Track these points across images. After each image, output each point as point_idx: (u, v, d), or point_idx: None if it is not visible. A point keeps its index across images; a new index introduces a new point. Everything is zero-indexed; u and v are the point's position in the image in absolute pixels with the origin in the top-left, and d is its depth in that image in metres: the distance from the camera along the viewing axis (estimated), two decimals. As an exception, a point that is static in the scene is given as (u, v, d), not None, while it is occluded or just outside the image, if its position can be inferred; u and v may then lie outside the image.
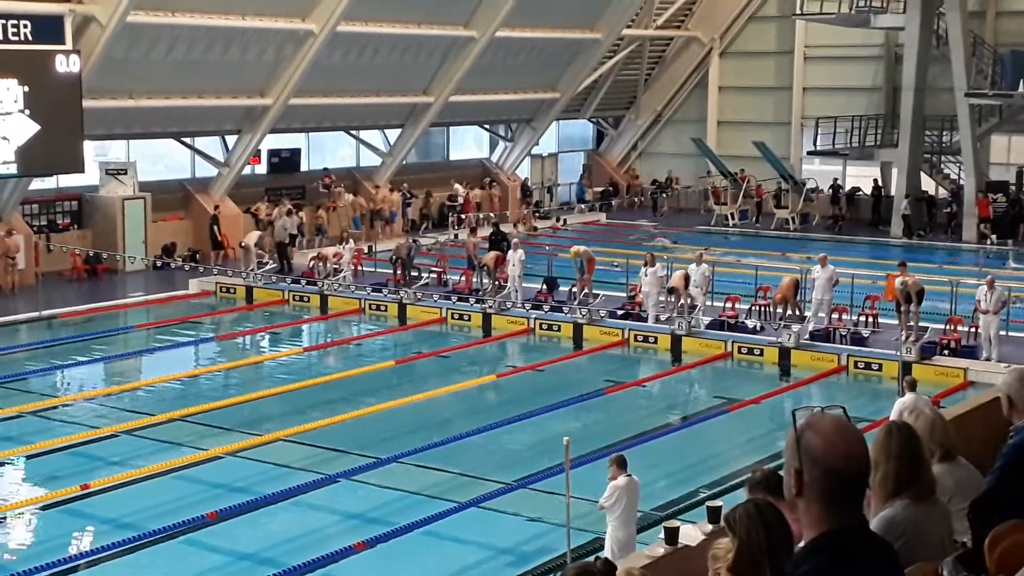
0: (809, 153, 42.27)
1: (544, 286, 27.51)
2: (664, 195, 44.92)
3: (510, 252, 28.11)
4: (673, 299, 24.44)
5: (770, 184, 41.60)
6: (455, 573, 12.72)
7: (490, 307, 26.32)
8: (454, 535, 14.17)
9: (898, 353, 21.13)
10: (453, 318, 26.40)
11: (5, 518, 15.16)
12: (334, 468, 16.51)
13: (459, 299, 27.16)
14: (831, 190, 41.55)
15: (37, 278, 28.64)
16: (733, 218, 41.06)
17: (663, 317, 24.67)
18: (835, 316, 23.85)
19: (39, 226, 30.92)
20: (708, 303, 25.54)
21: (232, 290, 29.05)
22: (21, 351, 23.67)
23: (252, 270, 29.00)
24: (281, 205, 32.92)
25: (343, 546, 13.47)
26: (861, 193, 42.24)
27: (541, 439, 17.65)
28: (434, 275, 29.29)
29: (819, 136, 40.51)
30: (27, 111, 26.68)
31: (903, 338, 21.94)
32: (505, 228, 34.68)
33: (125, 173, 31.92)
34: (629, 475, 12.17)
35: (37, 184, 30.01)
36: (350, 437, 17.91)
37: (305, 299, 28.22)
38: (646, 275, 25.23)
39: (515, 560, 13.47)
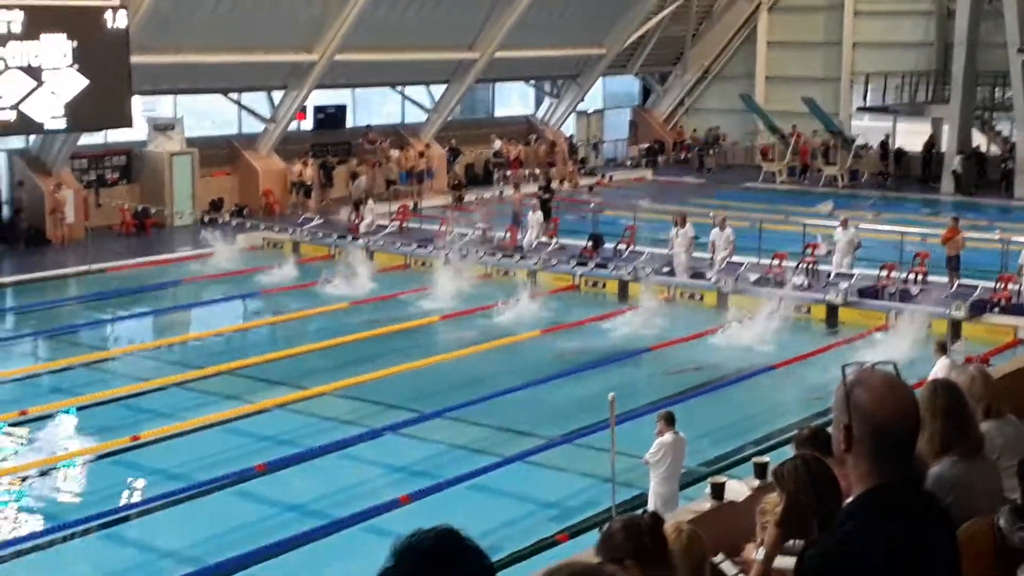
0: (859, 109, 41.78)
1: (590, 242, 27.47)
2: (711, 152, 44.61)
3: (529, 214, 28.17)
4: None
5: (819, 141, 41.21)
6: (500, 527, 12.81)
7: (535, 263, 26.32)
8: (499, 489, 14.28)
9: (947, 311, 20.94)
10: (499, 274, 26.43)
11: (57, 468, 15.43)
12: (380, 422, 16.64)
13: (504, 256, 27.17)
14: (880, 147, 41.09)
15: (86, 232, 28.94)
16: (781, 175, 40.72)
17: (711, 275, 24.58)
18: (884, 273, 23.68)
19: (88, 181, 31.19)
20: (755, 260, 25.40)
21: (279, 245, 29.21)
22: (71, 304, 23.96)
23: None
24: (305, 164, 33.23)
25: (389, 499, 13.60)
26: (903, 150, 41.67)
27: (586, 395, 17.67)
28: (479, 231, 29.29)
29: (869, 92, 39.99)
30: (76, 66, 26.84)
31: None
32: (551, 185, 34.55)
33: (173, 128, 32.10)
34: (676, 432, 12.19)
35: (86, 139, 30.25)
36: (395, 391, 18.01)
37: (351, 254, 28.29)
38: (677, 236, 25.10)
39: (559, 514, 13.55)
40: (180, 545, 12.72)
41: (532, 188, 32.76)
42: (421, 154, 37.12)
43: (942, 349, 15.83)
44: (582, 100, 43.41)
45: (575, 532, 12.60)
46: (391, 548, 2.66)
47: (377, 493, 13.97)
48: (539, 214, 27.88)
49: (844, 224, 24.69)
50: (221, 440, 16.03)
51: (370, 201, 30.12)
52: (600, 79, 43.59)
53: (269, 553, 12.22)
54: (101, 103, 27.37)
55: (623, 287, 24.95)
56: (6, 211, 29.19)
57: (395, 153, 36.50)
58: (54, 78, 26.52)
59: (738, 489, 7.43)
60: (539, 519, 13.42)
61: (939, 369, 14.17)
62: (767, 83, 44.95)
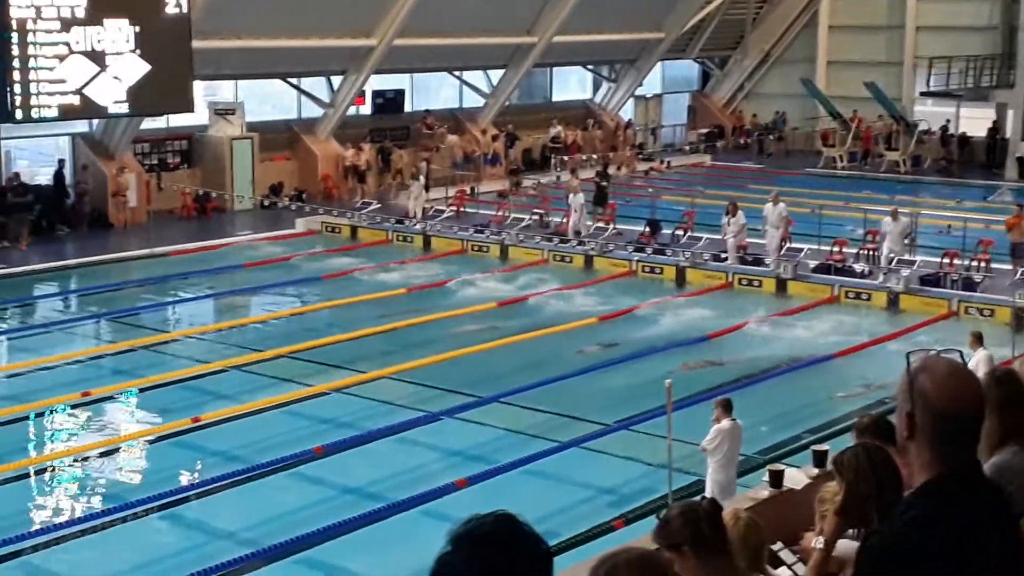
0: (922, 94, 41.18)
1: (647, 228, 27.37)
2: (771, 137, 44.22)
3: (570, 196, 28.11)
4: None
5: (881, 126, 40.70)
6: (555, 512, 12.81)
7: (592, 249, 26.27)
8: (555, 475, 14.28)
9: (1012, 298, 20.62)
10: (555, 259, 26.41)
11: (119, 449, 15.64)
12: (437, 406, 16.69)
13: (561, 240, 27.14)
14: (942, 132, 40.51)
15: (148, 216, 29.30)
16: (842, 160, 40.29)
17: (769, 260, 24.39)
18: (946, 261, 23.38)
19: (150, 165, 31.55)
20: (815, 247, 25.19)
21: (337, 229, 29.39)
22: (133, 287, 24.25)
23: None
24: (360, 148, 33.36)
25: (445, 482, 13.65)
26: (966, 136, 41.03)
27: (642, 382, 17.60)
28: (536, 216, 29.28)
29: (932, 77, 39.42)
30: (138, 51, 27.11)
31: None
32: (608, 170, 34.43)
33: (233, 113, 32.35)
34: (733, 419, 12.12)
35: (148, 123, 30.57)
36: (452, 376, 18.06)
37: (408, 239, 28.44)
38: (728, 224, 24.92)
39: (616, 500, 13.52)
40: (238, 526, 12.85)
41: (590, 173, 32.66)
42: (476, 141, 37.15)
43: (978, 340, 15.54)
44: (640, 85, 43.19)
45: (631, 519, 12.57)
46: (449, 533, 2.66)
47: (434, 477, 14.02)
48: (579, 196, 27.81)
49: (895, 215, 24.40)
50: (279, 423, 16.17)
51: (414, 186, 29.96)
52: (659, 63, 43.32)
53: (326, 535, 12.31)
54: (163, 88, 27.64)
55: (680, 273, 24.82)
56: (70, 195, 29.58)
57: (452, 138, 36.55)
58: (117, 63, 26.81)
59: (797, 477, 7.38)
60: (595, 505, 13.40)
61: (979, 361, 13.89)
62: (828, 67, 44.45)
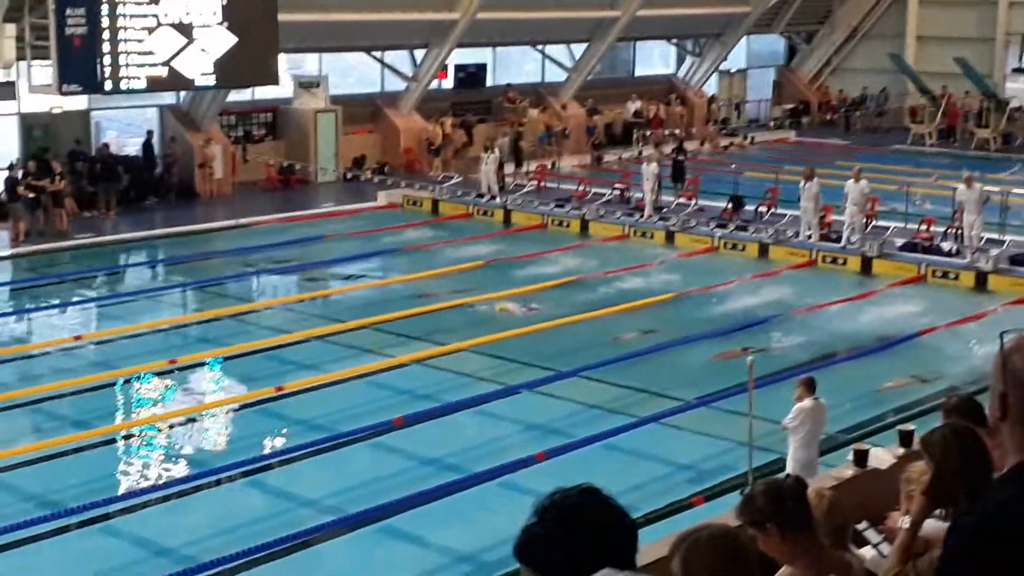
0: (1014, 71, 40.25)
1: (730, 204, 27.14)
2: (858, 113, 43.54)
3: (643, 166, 27.93)
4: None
5: (969, 102, 39.86)
6: (635, 487, 12.78)
7: (674, 225, 26.12)
8: (634, 450, 14.26)
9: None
10: (636, 235, 26.30)
11: (204, 416, 15.92)
12: (515, 379, 16.74)
13: (642, 216, 27.01)
14: None
15: (233, 187, 29.68)
16: (931, 137, 39.54)
17: (853, 238, 24.07)
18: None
19: (236, 137, 31.94)
20: (902, 225, 24.81)
21: (418, 203, 29.53)
22: (218, 257, 24.61)
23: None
24: (441, 123, 33.41)
25: (524, 455, 13.70)
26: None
27: (724, 358, 17.50)
28: (617, 191, 29.16)
29: (1025, 53, 38.52)
30: (225, 23, 27.40)
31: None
32: (690, 146, 34.22)
33: (317, 86, 32.62)
34: (816, 398, 11.99)
35: (234, 96, 30.94)
36: (532, 350, 18.09)
37: (489, 213, 28.49)
38: (804, 189, 24.58)
39: (695, 477, 13.47)
40: (320, 494, 13.00)
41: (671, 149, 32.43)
42: (558, 115, 37.06)
43: None
44: (725, 59, 42.72)
45: (711, 495, 12.52)
46: (534, 505, 2.68)
47: (512, 450, 14.07)
48: (653, 165, 27.59)
49: (968, 182, 23.85)
50: (360, 393, 16.34)
51: (489, 159, 29.85)
52: (744, 38, 42.81)
53: (406, 505, 12.42)
54: (249, 60, 27.91)
55: (763, 250, 24.59)
56: (158, 165, 30.06)
57: (534, 112, 36.49)
58: (204, 35, 27.12)
59: (882, 457, 7.29)
60: (674, 481, 13.36)
61: None
62: (918, 43, 43.58)
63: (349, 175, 32.12)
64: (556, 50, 38.51)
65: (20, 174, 25.60)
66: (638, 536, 2.67)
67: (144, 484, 13.37)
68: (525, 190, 29.87)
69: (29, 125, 28.40)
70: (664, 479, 13.43)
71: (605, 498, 2.72)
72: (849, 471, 7.21)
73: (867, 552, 5.78)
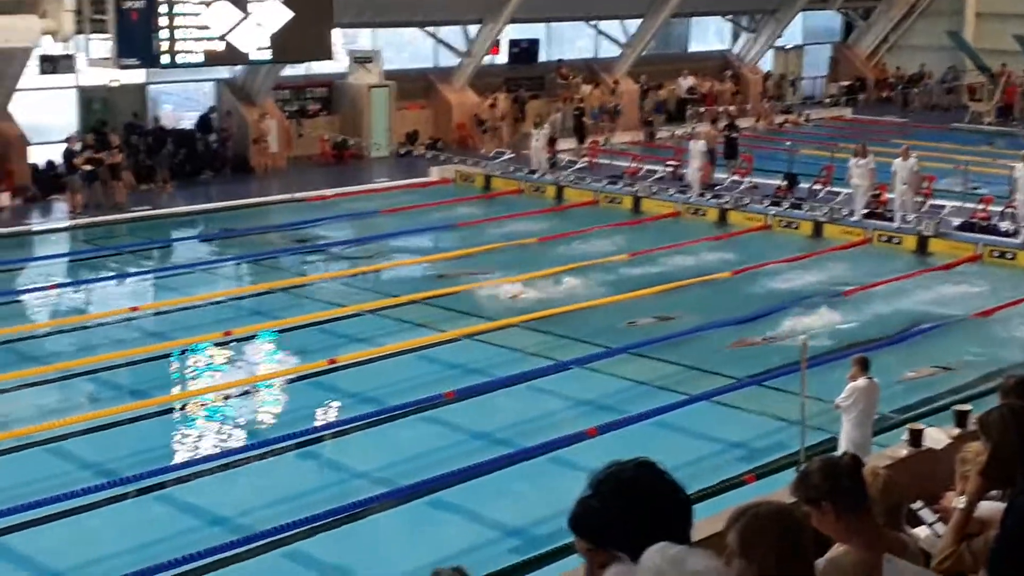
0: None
1: (784, 182, 26.93)
2: (916, 90, 42.98)
3: (690, 144, 27.77)
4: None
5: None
6: (686, 464, 12.76)
7: (727, 203, 25.98)
8: (685, 427, 14.23)
9: None
10: (689, 212, 26.17)
11: (258, 388, 16.08)
12: (566, 355, 16.74)
13: (697, 194, 26.85)
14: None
15: (288, 161, 29.84)
16: (989, 115, 38.96)
17: (909, 217, 23.83)
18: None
19: (290, 111, 32.11)
20: (959, 204, 24.52)
21: (471, 178, 29.56)
22: (272, 231, 24.77)
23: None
24: (495, 99, 33.29)
25: (575, 431, 13.72)
26: None
27: (776, 336, 17.39)
28: (670, 169, 29.02)
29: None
30: (281, -2, 27.51)
31: None
32: (745, 123, 33.96)
33: (371, 61, 32.69)
34: (870, 377, 11.92)
35: (288, 70, 31.09)
36: (582, 326, 18.07)
37: (541, 189, 28.47)
38: (856, 167, 24.33)
39: (746, 455, 13.43)
40: (371, 467, 13.10)
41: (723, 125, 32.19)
42: (611, 91, 36.90)
43: None
44: (780, 35, 42.30)
45: (762, 473, 12.48)
46: (590, 477, 2.69)
47: (563, 425, 14.09)
48: (701, 143, 27.45)
49: None
50: (412, 367, 16.42)
51: (539, 135, 29.74)
52: (800, 14, 42.34)
53: (457, 478, 12.49)
54: (304, 35, 28.02)
55: (817, 228, 24.40)
56: (214, 139, 30.29)
57: (587, 88, 36.35)
58: (260, 10, 27.25)
59: (937, 436, 7.23)
60: (725, 459, 13.32)
61: None
62: (977, 20, 42.90)
63: (402, 150, 32.21)
64: (610, 25, 38.30)
65: (78, 147, 25.91)
66: (692, 510, 2.67)
67: (199, 454, 13.54)
68: (577, 166, 29.80)
69: (87, 98, 28.71)
70: (715, 457, 13.39)
71: (660, 472, 2.73)
72: (904, 450, 7.16)
73: (922, 532, 5.75)
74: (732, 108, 36.94)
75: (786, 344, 16.60)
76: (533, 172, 29.21)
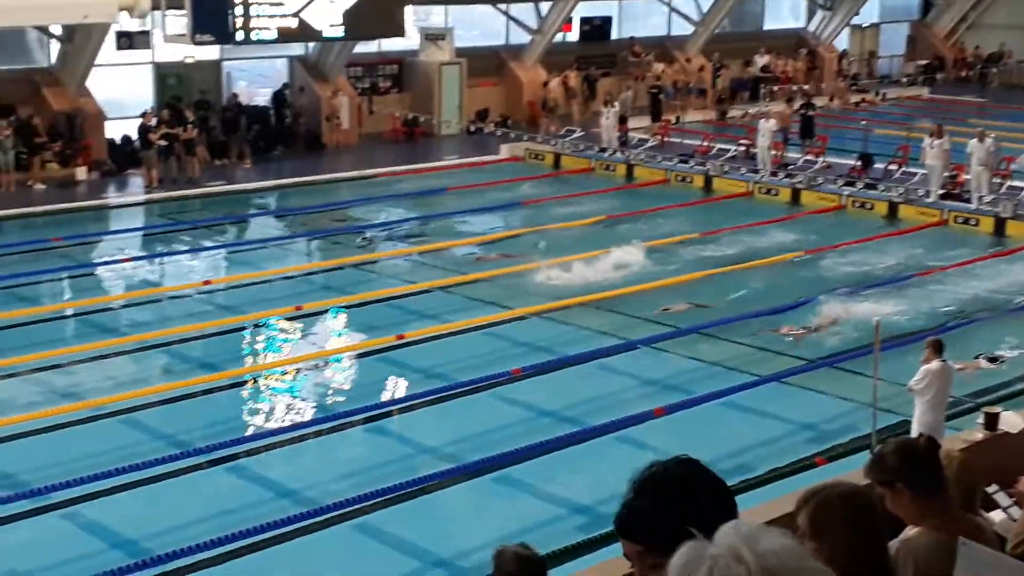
0: None
1: (859, 162, 26.55)
2: (995, 69, 42.12)
3: (760, 122, 27.42)
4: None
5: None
6: (755, 445, 12.69)
7: (800, 182, 25.67)
8: (754, 408, 14.11)
9: None
10: (760, 192, 25.91)
11: (327, 362, 16.21)
12: (634, 335, 16.66)
13: (770, 173, 26.57)
14: None
15: (359, 138, 29.96)
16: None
17: (987, 198, 23.40)
18: None
19: (362, 88, 32.24)
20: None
21: (541, 156, 29.49)
22: (341, 208, 24.91)
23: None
24: (565, 77, 33.21)
25: (643, 410, 13.66)
26: None
27: (848, 319, 17.17)
28: (742, 148, 28.74)
29: None
30: (353, -25, 27.56)
31: None
32: (819, 102, 33.50)
33: (443, 38, 32.69)
34: (944, 360, 11.73)
35: (361, 47, 31.18)
36: (650, 306, 17.96)
37: (611, 168, 28.34)
38: (931, 147, 23.88)
39: (816, 437, 13.29)
40: (438, 442, 13.15)
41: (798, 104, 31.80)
42: (684, 70, 36.58)
43: None
44: (857, 13, 41.63)
45: (833, 456, 12.35)
46: (631, 480, 2.67)
47: (630, 404, 14.03)
48: (771, 122, 27.13)
49: None
50: (479, 344, 16.45)
51: (609, 113, 29.51)
52: (877, -8, 41.67)
53: (523, 456, 12.51)
54: (376, 12, 28.06)
55: (892, 209, 24.04)
56: (287, 116, 30.49)
57: (659, 66, 36.07)
58: (333, -14, 27.32)
59: (1013, 420, 7.09)
60: (795, 441, 13.20)
61: None
62: (1061, -3, 41.97)
63: (472, 128, 32.22)
64: (683, 2, 37.94)
65: (154, 122, 26.23)
66: (736, 503, 2.64)
67: (268, 427, 13.68)
68: (648, 145, 29.61)
69: (163, 74, 29.05)
70: (785, 438, 13.27)
71: (703, 468, 2.69)
72: (979, 434, 7.03)
73: (996, 516, 5.64)
74: (807, 87, 36.46)
75: (858, 326, 16.38)
76: (603, 150, 29.07)
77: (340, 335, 17.52)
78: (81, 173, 26.16)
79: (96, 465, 11.98)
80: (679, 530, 2.25)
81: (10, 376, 14.84)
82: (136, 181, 26.40)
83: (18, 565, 10.30)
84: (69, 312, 18.48)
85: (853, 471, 6.55)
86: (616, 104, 29.98)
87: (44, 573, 10.09)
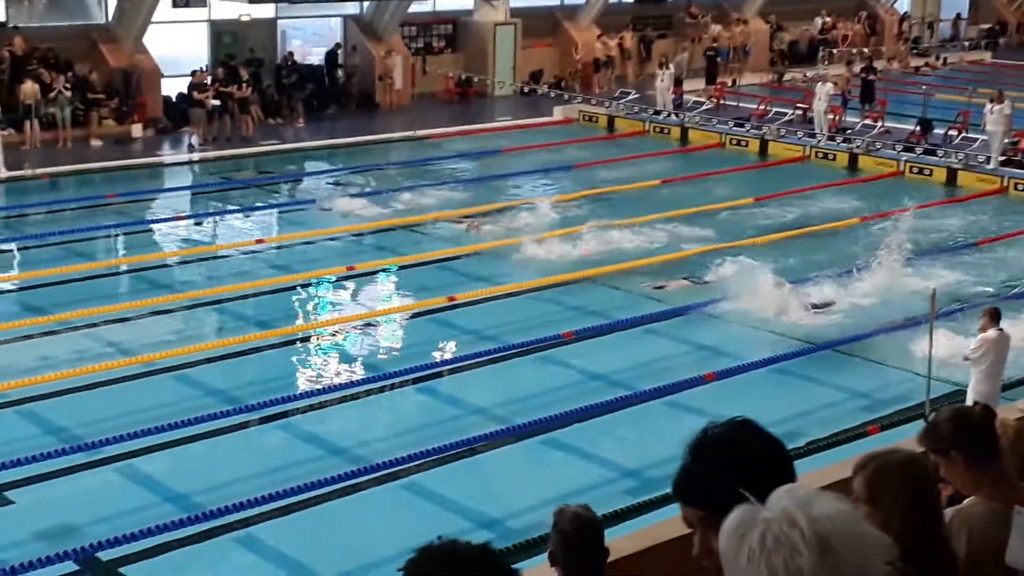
0: None
1: (918, 127, 26.16)
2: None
3: (818, 86, 27.04)
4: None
5: None
6: (807, 412, 12.60)
7: (857, 147, 25.35)
8: (806, 375, 14.01)
9: None
10: (816, 156, 25.62)
11: (378, 322, 16.27)
12: (685, 301, 16.56)
13: (827, 138, 26.23)
14: None
15: (412, 98, 29.92)
16: None
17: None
18: None
19: (416, 48, 32.17)
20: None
21: (594, 118, 29.32)
22: (395, 168, 24.91)
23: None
24: (622, 38, 32.94)
25: (693, 375, 13.60)
26: None
27: (904, 287, 16.97)
28: (799, 112, 28.40)
29: None
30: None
31: None
32: (879, 65, 33.00)
33: (498, -1, 32.54)
34: (1000, 329, 11.56)
35: (415, 7, 31.10)
36: (703, 271, 17.82)
37: (665, 131, 28.12)
38: (992, 112, 23.46)
39: (869, 405, 13.17)
40: (488, 403, 13.17)
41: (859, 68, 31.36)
42: (741, 31, 36.16)
43: None
44: (919, -24, 40.95)
45: (886, 424, 12.23)
46: (688, 443, 2.63)
47: (680, 370, 13.97)
48: (828, 86, 26.76)
49: None
50: (530, 307, 16.43)
51: (664, 75, 29.20)
52: (941, -47, 40.91)
53: (572, 418, 12.50)
54: (431, -28, 27.96)
55: (951, 176, 23.70)
56: (341, 75, 30.51)
57: (716, 28, 35.68)
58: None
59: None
60: (847, 408, 13.08)
61: None
62: None
63: (526, 89, 32.08)
64: (741, -36, 37.47)
65: (208, 80, 26.34)
66: (793, 464, 2.59)
67: (320, 385, 13.77)
68: (703, 108, 29.34)
69: (218, 32, 29.14)
70: (837, 405, 13.16)
71: (760, 430, 2.64)
72: (1036, 405, 6.92)
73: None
74: (867, 50, 35.93)
75: (913, 294, 16.18)
76: (658, 113, 28.85)
77: (391, 295, 17.56)
78: (136, 130, 26.36)
79: (150, 420, 12.11)
80: (737, 494, 2.21)
81: (67, 331, 15.02)
82: (188, 141, 26.51)
83: (74, 517, 10.47)
84: (124, 268, 18.68)
85: (906, 439, 6.47)
86: (671, 66, 29.72)
87: (99, 525, 10.23)
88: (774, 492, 2.16)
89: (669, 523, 5.94)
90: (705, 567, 2.50)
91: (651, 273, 17.74)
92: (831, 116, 26.95)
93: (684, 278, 17.50)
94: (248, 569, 9.89)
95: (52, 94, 25.03)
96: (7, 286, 17.27)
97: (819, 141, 26.03)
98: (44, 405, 12.70)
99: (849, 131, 26.63)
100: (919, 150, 24.95)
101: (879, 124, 27.20)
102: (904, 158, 24.66)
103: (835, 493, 2.13)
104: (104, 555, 9.76)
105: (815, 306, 15.89)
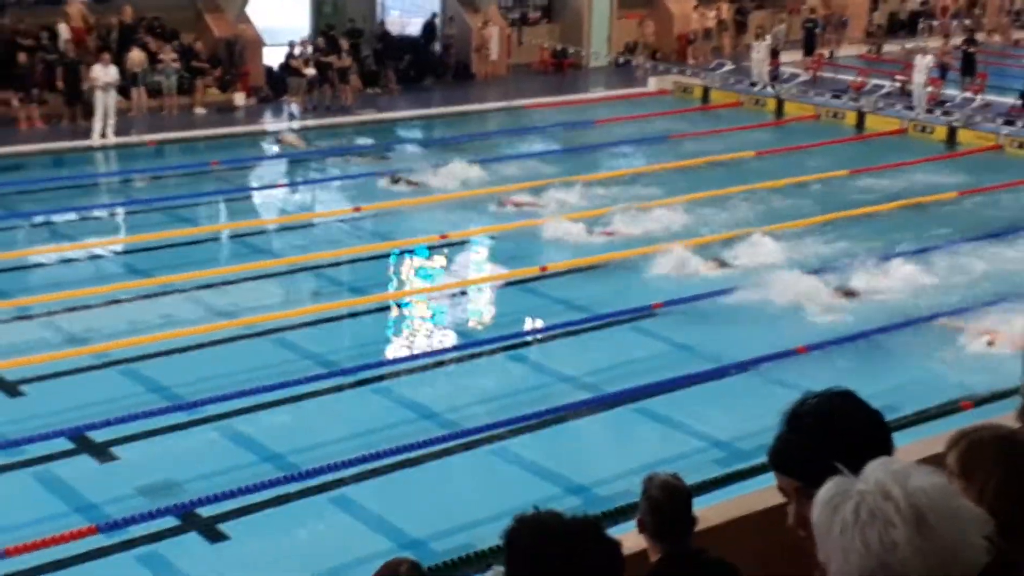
0: None
1: (1020, 100, 25.58)
2: None
3: (917, 58, 26.45)
4: None
5: None
6: (900, 386, 12.42)
7: (956, 120, 24.87)
8: (900, 350, 13.84)
9: None
10: (915, 130, 25.19)
11: (470, 290, 16.43)
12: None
13: (926, 111, 25.77)
14: None
15: (508, 69, 29.95)
16: None
17: None
18: None
19: (512, 19, 32.18)
20: None
21: (689, 90, 29.11)
22: (491, 138, 25.00)
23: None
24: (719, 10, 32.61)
25: (785, 348, 13.52)
26: None
27: (1002, 263, 16.67)
28: (897, 84, 27.90)
29: None
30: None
31: None
32: (979, 38, 32.27)
33: (594, -31, 32.38)
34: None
35: (511, -22, 31.13)
36: (797, 243, 17.67)
37: (761, 103, 27.83)
38: None
39: (963, 382, 12.98)
40: (576, 372, 13.23)
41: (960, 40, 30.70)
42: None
43: None
44: (1026, -55, 39.88)
45: (980, 400, 12.08)
46: (786, 412, 2.65)
47: (772, 342, 13.87)
48: (928, 58, 26.19)
49: None
50: (620, 278, 16.43)
51: (760, 47, 28.81)
52: (1050, -78, 39.76)
53: (663, 388, 12.55)
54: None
55: (1054, 151, 23.16)
56: (437, 46, 30.66)
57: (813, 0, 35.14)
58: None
59: None
60: (942, 385, 12.92)
61: None
62: None
63: (621, 60, 31.94)
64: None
65: (309, 50, 26.66)
66: (891, 435, 2.62)
67: (412, 351, 13.98)
68: (799, 80, 28.95)
69: (319, 2, 29.42)
70: (932, 381, 12.99)
71: (859, 400, 2.66)
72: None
73: None
74: (969, 22, 35.13)
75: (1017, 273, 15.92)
76: (753, 85, 28.56)
77: (483, 264, 17.69)
78: (239, 99, 26.78)
79: (248, 381, 12.42)
80: (833, 466, 2.23)
81: (170, 293, 15.42)
82: (287, 109, 26.87)
83: (175, 474, 10.79)
84: (225, 234, 19.06)
85: (1001, 416, 6.45)
86: (768, 37, 29.36)
87: (197, 482, 10.54)
88: (868, 464, 2.17)
89: (758, 494, 6.00)
90: (802, 537, 2.53)
91: (739, 245, 17.59)
92: (930, 89, 26.44)
93: (715, 260, 17.21)
94: (341, 528, 10.12)
95: (159, 64, 25.53)
96: (115, 248, 17.75)
97: (917, 114, 25.58)
98: (147, 365, 13.07)
99: (948, 104, 26.10)
100: (1020, 124, 24.40)
101: (979, 97, 26.63)
102: (1004, 131, 24.14)
103: (930, 467, 2.17)
104: (203, 511, 10.06)
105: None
